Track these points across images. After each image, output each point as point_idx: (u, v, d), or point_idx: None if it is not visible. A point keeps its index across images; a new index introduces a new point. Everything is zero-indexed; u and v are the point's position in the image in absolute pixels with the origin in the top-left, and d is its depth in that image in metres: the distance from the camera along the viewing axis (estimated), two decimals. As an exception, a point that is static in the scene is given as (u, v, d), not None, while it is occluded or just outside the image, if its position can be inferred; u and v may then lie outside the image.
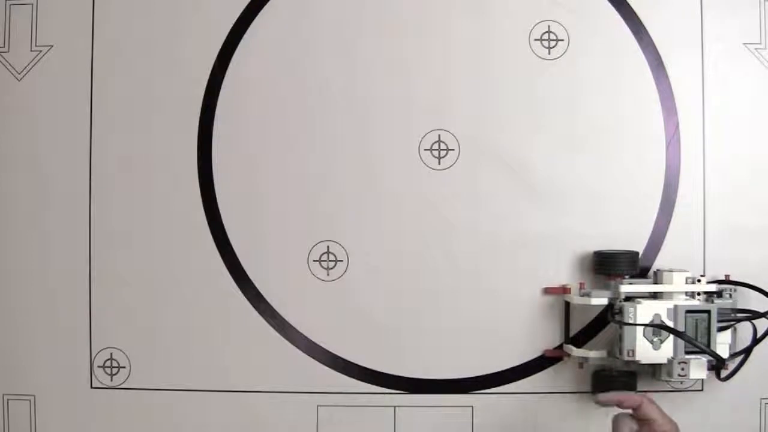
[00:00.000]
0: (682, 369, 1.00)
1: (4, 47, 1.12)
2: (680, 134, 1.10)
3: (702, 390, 1.09)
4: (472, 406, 1.09)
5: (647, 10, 1.10)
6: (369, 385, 1.09)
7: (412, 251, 1.10)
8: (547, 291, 1.09)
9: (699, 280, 1.04)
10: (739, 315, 1.04)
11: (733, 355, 1.04)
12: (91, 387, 1.11)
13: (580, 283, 1.08)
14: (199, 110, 1.11)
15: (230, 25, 1.11)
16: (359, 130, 1.10)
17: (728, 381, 1.06)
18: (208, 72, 1.11)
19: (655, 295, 1.04)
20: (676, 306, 1.02)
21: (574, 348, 1.07)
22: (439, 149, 1.10)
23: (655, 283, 1.05)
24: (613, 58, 1.10)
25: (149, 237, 1.11)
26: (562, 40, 1.10)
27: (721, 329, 1.03)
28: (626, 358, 1.01)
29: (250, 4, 1.11)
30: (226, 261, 1.10)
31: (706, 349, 1.00)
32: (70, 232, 1.11)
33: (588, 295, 1.05)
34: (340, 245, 1.10)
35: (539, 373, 1.09)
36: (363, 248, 1.09)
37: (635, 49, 1.10)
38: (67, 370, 1.11)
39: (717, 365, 1.02)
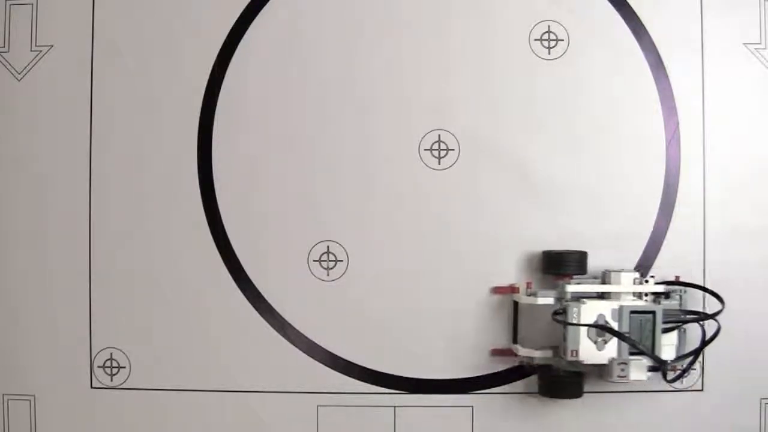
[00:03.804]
0: (622, 370, 1.00)
1: (4, 47, 1.12)
2: (680, 134, 1.10)
3: (702, 390, 1.09)
4: (472, 406, 1.09)
5: (647, 10, 1.10)
6: (369, 385, 1.09)
7: (412, 251, 1.09)
8: (496, 291, 1.08)
9: (647, 281, 1.04)
10: (687, 316, 1.03)
11: (680, 357, 1.03)
12: (91, 387, 1.11)
13: (527, 283, 1.08)
14: (199, 110, 1.11)
15: (230, 25, 1.11)
16: (359, 130, 1.10)
17: (728, 381, 1.06)
18: (208, 72, 1.11)
19: (603, 296, 1.04)
20: (620, 306, 1.01)
21: (520, 347, 1.06)
22: (439, 149, 1.10)
23: (603, 283, 1.05)
24: (613, 58, 1.10)
25: (149, 237, 1.11)
26: (562, 40, 1.10)
27: (667, 330, 1.02)
28: (569, 358, 1.01)
29: (250, 4, 1.11)
30: (226, 261, 1.10)
31: (645, 350, 0.99)
32: (70, 232, 1.11)
33: (534, 294, 1.05)
34: (340, 245, 1.10)
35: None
36: (363, 248, 1.09)
37: (635, 49, 1.10)
38: (67, 370, 1.11)
39: (662, 368, 1.01)
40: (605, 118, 1.10)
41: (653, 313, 1.01)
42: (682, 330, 1.04)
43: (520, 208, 1.10)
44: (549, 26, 1.10)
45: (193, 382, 1.10)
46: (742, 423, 1.09)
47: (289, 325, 1.10)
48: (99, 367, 1.11)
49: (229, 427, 1.10)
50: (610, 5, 1.10)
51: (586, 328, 1.00)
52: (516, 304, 1.08)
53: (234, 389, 1.10)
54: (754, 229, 1.09)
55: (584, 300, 1.02)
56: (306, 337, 1.10)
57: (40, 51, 1.11)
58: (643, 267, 1.09)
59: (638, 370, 1.00)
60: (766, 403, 1.09)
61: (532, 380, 1.09)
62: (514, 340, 1.08)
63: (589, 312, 1.01)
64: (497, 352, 1.08)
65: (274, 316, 1.10)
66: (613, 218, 1.10)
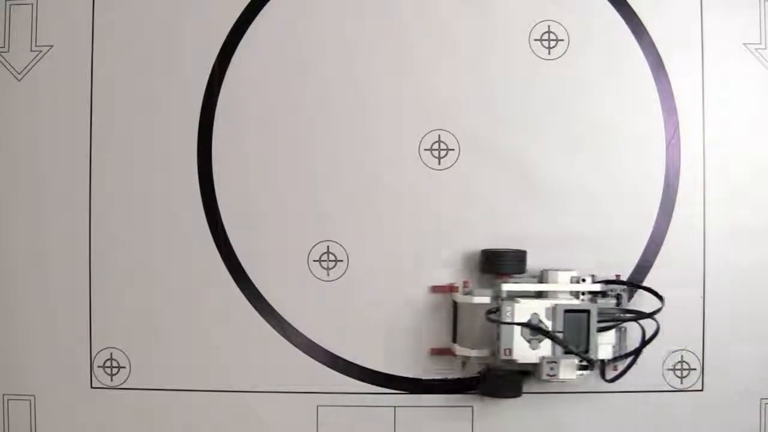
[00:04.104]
0: (551, 369, 0.99)
1: (4, 47, 1.12)
2: (680, 134, 1.10)
3: (702, 390, 1.09)
4: (472, 406, 1.09)
5: (647, 10, 1.10)
6: (369, 385, 1.09)
7: (412, 251, 1.09)
8: (434, 289, 1.08)
9: (584, 280, 1.04)
10: (625, 315, 1.03)
11: (619, 357, 1.03)
12: (91, 387, 1.11)
13: (464, 282, 1.08)
14: (199, 110, 1.11)
15: (230, 25, 1.11)
16: (359, 130, 1.10)
17: (728, 381, 1.06)
18: (208, 72, 1.11)
19: (542, 295, 1.04)
20: (554, 305, 1.01)
21: (458, 346, 1.06)
22: (439, 149, 1.10)
23: (541, 282, 1.05)
24: (613, 58, 1.10)
25: (149, 237, 1.11)
26: (562, 40, 1.10)
27: (604, 330, 1.02)
28: (503, 357, 1.01)
29: (250, 4, 1.11)
30: (226, 261, 1.10)
31: (573, 349, 0.99)
32: (70, 232, 1.11)
33: (471, 293, 1.05)
34: (340, 245, 1.10)
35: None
36: (363, 248, 1.09)
37: (635, 49, 1.10)
38: (67, 370, 1.11)
39: (591, 367, 1.01)
40: (605, 118, 1.10)
41: (588, 312, 1.01)
42: (622, 329, 1.04)
43: (520, 208, 1.10)
44: (549, 26, 1.10)
45: (193, 382, 1.10)
46: (742, 423, 1.09)
47: (289, 325, 1.10)
48: (99, 367, 1.11)
49: (230, 427, 1.10)
50: (610, 5, 1.10)
51: (519, 327, 1.00)
52: (455, 303, 1.07)
53: (234, 389, 1.10)
54: (754, 229, 1.09)
55: (518, 299, 1.02)
56: (306, 337, 1.10)
57: (40, 51, 1.11)
58: (644, 267, 1.09)
59: (568, 369, 1.00)
60: (766, 403, 1.09)
61: (532, 381, 1.09)
62: (454, 339, 1.07)
63: (523, 311, 1.00)
64: (436, 351, 1.08)
65: (274, 316, 1.10)
66: (613, 218, 1.10)
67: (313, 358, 1.10)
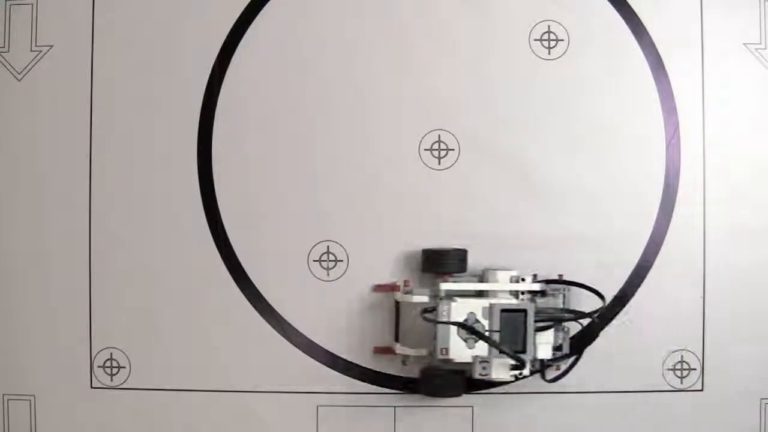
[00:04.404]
0: (484, 368, 0.99)
1: (4, 47, 1.12)
2: (680, 134, 1.10)
3: (702, 390, 1.09)
4: (472, 406, 1.09)
5: (647, 10, 1.10)
6: (369, 385, 1.09)
7: (411, 251, 1.09)
8: (376, 289, 1.08)
9: (524, 279, 1.04)
10: (564, 315, 1.03)
11: (561, 357, 1.03)
12: (91, 387, 1.11)
13: (405, 281, 1.07)
14: (199, 110, 1.11)
15: (230, 25, 1.11)
16: (359, 130, 1.10)
17: (728, 381, 1.06)
18: (208, 72, 1.11)
19: (481, 294, 1.04)
20: (491, 305, 1.01)
21: (398, 345, 1.06)
22: (439, 149, 1.10)
23: (482, 282, 1.05)
24: (613, 58, 1.10)
25: (149, 237, 1.11)
26: (562, 40, 1.10)
27: (542, 329, 1.02)
28: (439, 356, 1.01)
29: (250, 4, 1.11)
30: (226, 261, 1.10)
31: (504, 349, 0.99)
32: (70, 232, 1.11)
33: (410, 292, 1.05)
34: (340, 245, 1.10)
35: (539, 374, 1.09)
36: (363, 248, 1.09)
37: (635, 49, 1.10)
38: (67, 370, 1.11)
39: (521, 366, 1.00)
40: (605, 118, 1.10)
41: (524, 311, 1.01)
42: (565, 329, 1.04)
43: (520, 208, 1.10)
44: (549, 26, 1.10)
45: (193, 382, 1.10)
46: (742, 423, 1.09)
47: (289, 325, 1.10)
48: (99, 367, 1.11)
49: (230, 427, 1.10)
50: (610, 5, 1.10)
51: (456, 326, 1.00)
52: (397, 302, 1.07)
53: (234, 389, 1.10)
54: (754, 229, 1.09)
55: (456, 298, 1.02)
56: (306, 337, 1.10)
57: (40, 51, 1.11)
58: (644, 267, 1.09)
59: (501, 369, 1.00)
60: (766, 403, 1.09)
61: (532, 380, 1.09)
62: (396, 338, 1.07)
63: (460, 310, 1.01)
64: (379, 350, 1.08)
65: (274, 316, 1.10)
66: (613, 218, 1.10)
67: (313, 358, 1.10)
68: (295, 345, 1.10)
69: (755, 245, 1.09)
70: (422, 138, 1.10)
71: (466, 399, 1.09)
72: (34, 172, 1.11)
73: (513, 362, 0.99)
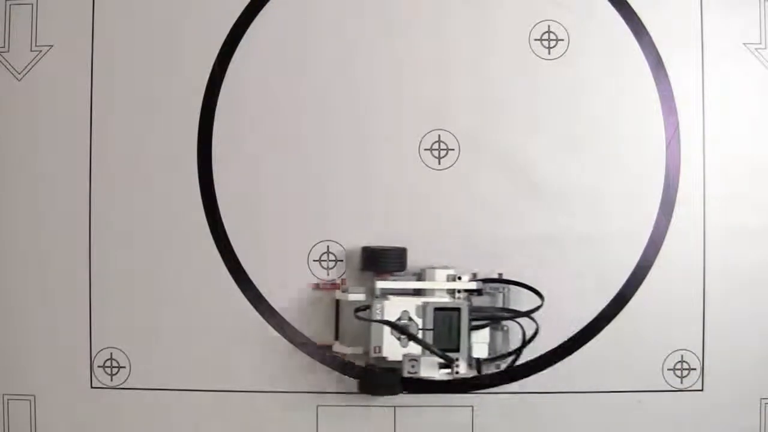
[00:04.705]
0: (413, 366, 0.99)
1: (4, 47, 1.12)
2: (680, 134, 1.10)
3: (702, 390, 1.09)
4: (472, 406, 1.09)
5: (647, 10, 1.10)
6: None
7: (411, 251, 1.09)
8: (316, 287, 1.09)
9: (460, 278, 1.03)
10: (500, 314, 1.03)
11: (500, 356, 1.04)
12: (91, 387, 1.11)
13: (342, 279, 1.08)
14: (199, 110, 1.11)
15: (230, 25, 1.11)
16: (359, 129, 1.10)
17: (728, 381, 1.06)
18: (208, 72, 1.11)
19: (418, 293, 1.04)
20: (424, 303, 1.01)
21: (337, 343, 1.06)
22: (439, 149, 1.10)
23: (419, 280, 1.05)
24: (613, 58, 1.10)
25: (149, 237, 1.11)
26: (562, 40, 1.10)
27: (478, 328, 1.02)
28: (373, 354, 1.01)
29: (249, 4, 1.11)
30: (226, 261, 1.10)
31: (430, 347, 0.99)
32: (70, 232, 1.11)
33: (347, 291, 1.05)
34: (340, 245, 1.10)
35: (539, 373, 1.09)
36: (361, 248, 1.09)
37: (635, 49, 1.10)
38: (67, 370, 1.11)
39: (451, 365, 1.00)
40: (605, 118, 1.10)
41: (458, 310, 1.01)
42: (505, 329, 1.05)
43: (520, 208, 1.10)
44: (549, 26, 1.10)
45: (193, 382, 1.10)
46: (742, 423, 1.09)
47: (289, 325, 1.10)
48: (99, 367, 1.11)
49: (229, 427, 1.10)
50: (610, 5, 1.10)
51: (389, 331, 1.00)
52: (337, 300, 1.08)
53: (234, 389, 1.10)
54: (754, 229, 1.09)
55: (390, 297, 1.02)
56: (306, 337, 1.10)
57: (40, 51, 1.11)
58: (644, 267, 1.09)
59: (430, 367, 1.00)
60: (766, 403, 1.09)
61: (532, 380, 1.09)
62: (336, 337, 1.08)
63: (393, 309, 1.01)
64: (322, 347, 1.08)
65: (274, 315, 1.10)
66: (613, 218, 1.10)
67: (313, 357, 1.10)
68: (295, 345, 1.10)
69: (755, 245, 1.09)
70: (422, 138, 1.10)
71: (466, 399, 1.09)
72: (34, 172, 1.11)
73: (442, 361, 1.00)
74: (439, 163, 1.10)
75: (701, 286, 1.09)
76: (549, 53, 1.10)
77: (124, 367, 1.11)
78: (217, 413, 1.10)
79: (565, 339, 1.09)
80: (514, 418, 1.09)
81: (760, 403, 1.09)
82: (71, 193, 1.11)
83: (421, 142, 1.10)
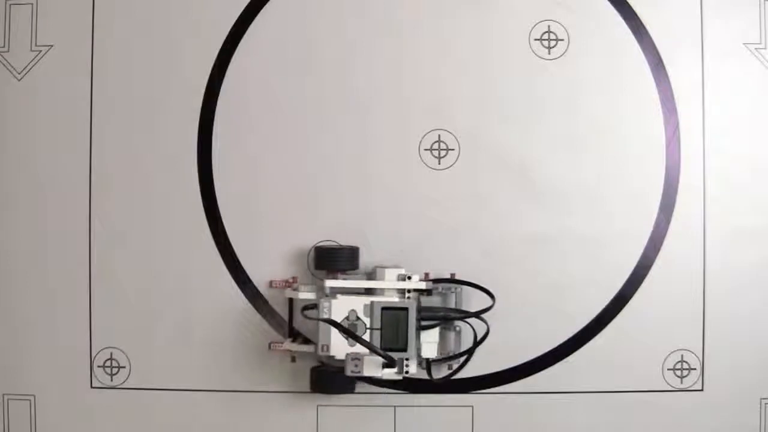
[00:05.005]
0: (356, 365, 0.99)
1: (4, 47, 1.12)
2: (680, 134, 1.10)
3: (702, 390, 1.09)
4: (472, 406, 1.09)
5: (647, 10, 1.10)
6: (369, 385, 1.09)
7: (412, 251, 1.09)
8: (271, 284, 1.09)
9: (410, 278, 1.03)
10: (449, 314, 1.03)
11: (451, 357, 1.03)
12: (91, 387, 1.11)
13: (293, 278, 1.08)
14: (199, 110, 1.11)
15: (230, 25, 1.11)
16: (359, 130, 1.10)
17: (728, 381, 1.06)
18: (208, 72, 1.11)
19: (369, 292, 1.03)
20: (372, 302, 1.01)
21: (288, 341, 1.06)
22: (439, 149, 1.10)
23: (369, 279, 1.04)
24: (613, 58, 1.10)
25: (149, 237, 1.11)
26: (562, 40, 1.10)
27: (427, 328, 1.02)
28: (320, 352, 1.01)
29: (249, 4, 1.11)
30: (226, 261, 1.10)
31: (372, 347, 0.99)
32: (70, 232, 1.11)
33: (297, 289, 1.05)
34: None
35: (539, 373, 1.09)
36: (363, 248, 1.09)
37: (635, 49, 1.10)
38: (67, 370, 1.11)
39: (392, 364, 1.00)
40: (605, 118, 1.10)
41: (406, 310, 1.01)
42: (456, 329, 1.04)
43: (520, 208, 1.10)
44: (549, 26, 1.10)
45: (193, 382, 1.10)
46: (742, 423, 1.09)
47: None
48: (99, 367, 1.11)
49: (230, 427, 1.10)
50: (610, 5, 1.10)
51: (335, 329, 0.99)
52: (290, 299, 1.08)
53: (234, 389, 1.10)
54: (754, 229, 1.09)
55: (338, 295, 1.02)
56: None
57: (40, 51, 1.11)
58: (644, 267, 1.09)
59: (372, 366, 0.99)
60: (766, 403, 1.09)
61: (532, 380, 1.09)
62: (288, 335, 1.08)
63: (341, 307, 1.01)
64: (274, 346, 1.08)
65: (275, 316, 1.10)
66: (613, 218, 1.10)
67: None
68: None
69: (755, 245, 1.09)
70: (422, 138, 1.10)
71: (466, 399, 1.09)
72: (34, 172, 1.11)
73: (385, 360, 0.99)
74: (439, 163, 1.10)
75: (701, 286, 1.09)
76: (549, 53, 1.10)
77: (124, 367, 1.11)
78: (217, 413, 1.10)
79: (565, 339, 1.09)
80: (514, 418, 1.09)
81: (760, 403, 1.09)
82: (71, 193, 1.11)
83: (421, 142, 1.10)
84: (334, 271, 1.05)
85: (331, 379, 1.03)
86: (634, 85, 1.10)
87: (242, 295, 1.10)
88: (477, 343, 1.04)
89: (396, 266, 1.04)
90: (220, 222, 1.10)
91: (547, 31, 1.10)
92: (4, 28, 1.11)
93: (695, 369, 1.08)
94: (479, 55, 1.10)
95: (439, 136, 1.10)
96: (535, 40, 1.10)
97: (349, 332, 0.99)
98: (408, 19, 1.10)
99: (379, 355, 0.99)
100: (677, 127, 1.10)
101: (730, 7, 1.10)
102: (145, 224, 1.11)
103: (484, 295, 1.05)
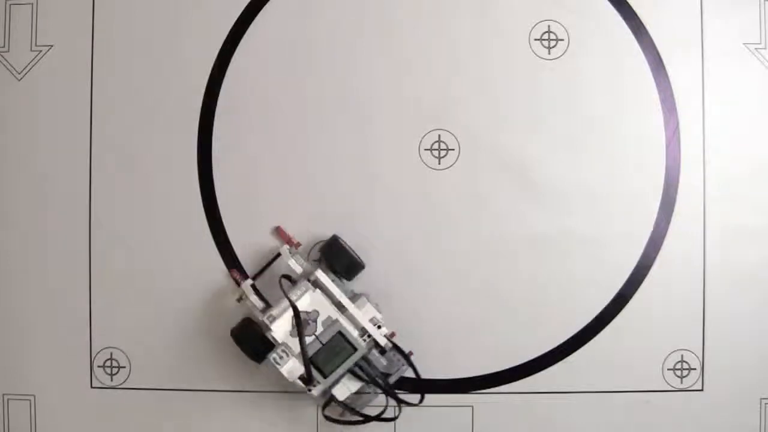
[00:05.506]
0: (279, 357, 0.99)
1: (4, 47, 1.12)
2: (680, 134, 1.10)
3: (702, 390, 1.09)
4: (472, 406, 1.09)
5: (647, 10, 1.10)
6: (369, 384, 1.09)
7: (411, 251, 1.09)
8: (278, 231, 1.09)
9: (380, 327, 1.02)
10: (375, 380, 1.02)
11: (348, 407, 1.03)
12: (91, 387, 1.11)
13: (298, 243, 1.08)
14: (199, 110, 1.11)
15: (230, 25, 1.11)
16: (359, 130, 1.10)
17: (728, 381, 1.06)
18: (208, 72, 1.11)
19: (340, 308, 1.02)
20: (336, 320, 1.00)
21: (248, 282, 1.05)
22: (439, 149, 1.10)
23: (348, 299, 1.03)
24: (613, 58, 1.10)
25: (149, 237, 1.11)
26: (562, 40, 1.10)
27: (356, 376, 1.02)
28: (265, 319, 1.00)
29: (249, 4, 1.11)
30: (226, 261, 1.10)
31: (306, 356, 0.98)
32: (70, 232, 1.11)
33: (292, 253, 1.05)
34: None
35: (539, 373, 1.09)
36: (362, 248, 1.09)
37: (635, 49, 1.10)
38: (67, 370, 1.11)
39: (310, 389, 1.00)
40: (605, 118, 1.10)
41: (353, 350, 1.00)
42: (374, 391, 1.04)
43: (520, 208, 1.10)
44: (549, 26, 1.10)
45: (193, 382, 1.10)
46: (742, 423, 1.09)
47: (289, 325, 1.10)
48: (99, 367, 1.11)
49: (230, 427, 1.10)
50: (610, 5, 1.10)
51: (292, 308, 0.99)
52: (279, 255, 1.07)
53: (235, 389, 1.10)
54: (754, 229, 1.09)
55: (318, 290, 1.01)
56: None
57: (40, 51, 1.11)
58: (644, 267, 1.09)
59: (291, 369, 0.99)
60: (766, 403, 1.09)
61: (532, 380, 1.09)
62: (254, 277, 1.08)
63: (311, 301, 1.01)
64: (234, 274, 1.08)
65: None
66: (613, 218, 1.10)
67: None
68: (295, 345, 1.10)
69: (755, 245, 1.09)
70: (422, 138, 1.10)
71: (466, 399, 1.09)
72: (34, 172, 1.12)
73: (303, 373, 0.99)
74: (439, 163, 1.10)
75: (701, 286, 1.09)
76: (549, 53, 1.10)
77: (124, 367, 1.11)
78: (217, 413, 1.10)
79: (565, 339, 1.09)
80: (514, 418, 1.09)
81: (760, 403, 1.09)
82: (71, 193, 1.11)
83: (421, 142, 1.10)
84: (332, 268, 1.05)
85: (253, 338, 1.03)
86: (634, 85, 1.10)
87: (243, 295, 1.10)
88: (371, 418, 1.04)
89: (377, 306, 1.03)
90: (220, 222, 1.10)
91: (547, 31, 1.10)
92: (4, 28, 1.12)
93: (695, 369, 1.08)
94: (479, 55, 1.10)
95: (439, 136, 1.10)
96: (535, 40, 1.10)
97: (300, 327, 0.98)
98: (408, 19, 1.10)
99: (305, 364, 0.98)
100: (677, 127, 1.10)
101: (730, 7, 1.10)
102: (145, 224, 1.11)
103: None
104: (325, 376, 1.00)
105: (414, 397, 1.06)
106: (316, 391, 1.01)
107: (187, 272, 1.10)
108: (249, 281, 1.06)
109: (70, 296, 1.11)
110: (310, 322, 1.01)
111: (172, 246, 1.11)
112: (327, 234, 1.08)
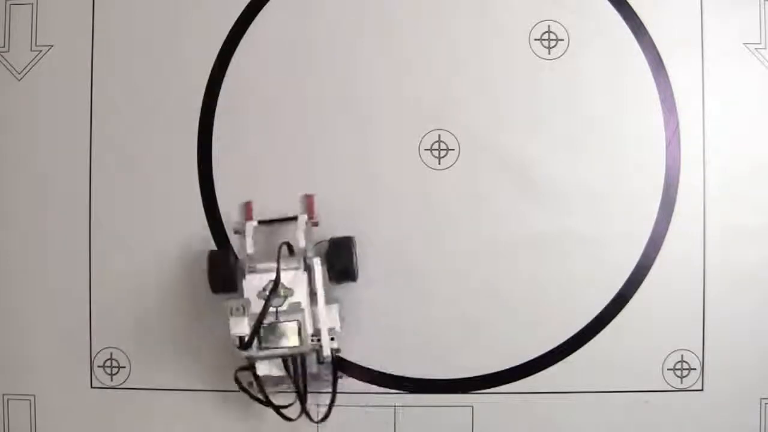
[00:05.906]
0: (237, 310, 0.97)
1: (4, 47, 1.12)
2: (680, 134, 1.10)
3: (702, 390, 1.09)
4: (472, 406, 1.09)
5: (647, 10, 1.10)
6: (369, 385, 1.09)
7: (411, 251, 1.09)
8: (308, 197, 1.09)
9: (333, 339, 1.00)
10: (299, 383, 1.00)
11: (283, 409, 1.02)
12: (91, 387, 1.11)
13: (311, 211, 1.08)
14: (199, 110, 1.11)
15: (230, 25, 1.11)
16: (359, 130, 1.10)
17: (728, 381, 1.06)
18: (208, 72, 1.11)
19: (312, 300, 1.01)
20: (297, 305, 0.99)
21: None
22: (439, 149, 1.10)
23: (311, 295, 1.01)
24: (613, 58, 1.10)
25: (149, 237, 1.11)
26: (562, 40, 1.10)
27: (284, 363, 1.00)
28: (240, 254, 1.01)
29: (249, 4, 1.11)
30: (226, 261, 1.10)
31: (259, 324, 0.96)
32: (70, 232, 1.11)
33: (313, 225, 1.06)
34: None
35: (539, 373, 1.09)
36: (362, 248, 1.09)
37: (635, 49, 1.10)
38: (67, 370, 1.11)
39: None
40: (605, 118, 1.10)
41: (301, 344, 0.98)
42: (289, 381, 1.02)
43: (520, 208, 1.10)
44: (549, 26, 1.10)
45: (193, 382, 1.10)
46: (742, 423, 1.09)
47: (289, 325, 1.10)
48: (99, 367, 1.11)
49: (229, 427, 1.10)
50: (610, 5, 1.10)
51: (271, 277, 0.98)
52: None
53: (234, 389, 1.10)
54: (754, 229, 1.09)
55: (304, 272, 1.00)
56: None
57: (40, 51, 1.11)
58: (644, 267, 1.09)
59: (238, 324, 0.98)
60: (766, 403, 1.09)
61: (532, 380, 1.09)
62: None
63: (288, 276, 1.00)
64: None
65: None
66: (613, 218, 1.10)
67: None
68: (295, 345, 1.10)
69: (755, 245, 1.09)
70: (422, 138, 1.10)
71: (466, 399, 1.09)
72: (34, 172, 1.12)
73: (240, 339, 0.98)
74: (439, 163, 1.10)
75: (701, 286, 1.09)
76: (549, 53, 1.10)
77: (124, 367, 1.11)
78: (218, 413, 1.10)
79: (565, 339, 1.09)
80: (514, 418, 1.09)
81: (760, 403, 1.09)
82: (71, 193, 1.11)
83: (421, 142, 1.10)
84: (329, 261, 1.04)
85: (225, 270, 1.04)
86: (634, 85, 1.10)
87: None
88: (274, 406, 1.01)
89: (342, 320, 1.01)
90: (220, 222, 1.10)
91: (547, 31, 1.10)
92: (4, 28, 1.12)
93: (695, 369, 1.08)
94: (479, 55, 1.10)
95: (439, 136, 1.10)
96: (535, 40, 1.10)
97: (271, 295, 0.97)
98: (408, 19, 1.10)
99: (254, 329, 0.96)
100: (677, 127, 1.10)
101: (730, 7, 1.10)
102: (145, 224, 1.11)
103: None
104: (260, 349, 0.99)
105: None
106: (245, 354, 0.99)
107: (188, 272, 1.10)
108: (255, 222, 1.06)
109: (70, 296, 1.11)
110: (280, 296, 1.00)
111: (172, 246, 1.11)
112: (325, 234, 1.08)
